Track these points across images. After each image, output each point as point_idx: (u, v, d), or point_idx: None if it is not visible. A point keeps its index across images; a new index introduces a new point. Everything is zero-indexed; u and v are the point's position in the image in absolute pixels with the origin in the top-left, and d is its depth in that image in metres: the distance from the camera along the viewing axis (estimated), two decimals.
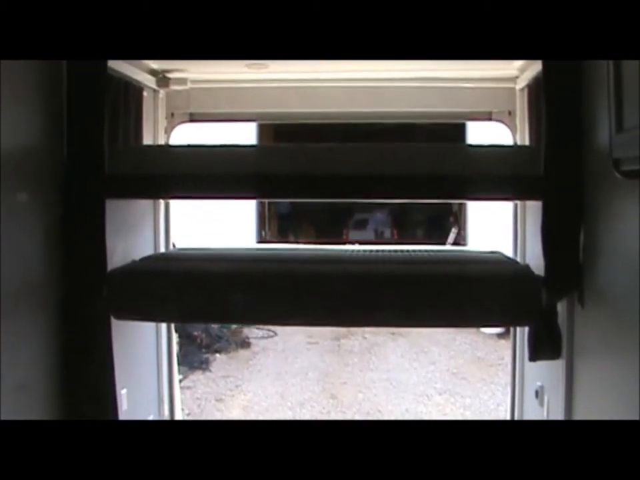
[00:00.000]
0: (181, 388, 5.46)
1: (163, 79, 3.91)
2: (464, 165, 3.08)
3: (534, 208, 3.32)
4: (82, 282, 2.89)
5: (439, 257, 3.69)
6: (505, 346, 9.31)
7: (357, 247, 4.39)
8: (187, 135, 4.32)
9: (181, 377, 6.47)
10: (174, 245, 4.46)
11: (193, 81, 3.97)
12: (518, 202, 3.89)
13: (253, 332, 11.64)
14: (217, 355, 10.89)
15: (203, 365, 10.36)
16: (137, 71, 3.64)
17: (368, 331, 11.43)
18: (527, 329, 3.01)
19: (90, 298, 2.91)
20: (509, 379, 4.27)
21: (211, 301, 3.04)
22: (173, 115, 4.14)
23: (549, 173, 2.80)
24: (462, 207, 17.65)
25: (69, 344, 2.89)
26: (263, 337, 11.63)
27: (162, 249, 4.10)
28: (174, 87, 3.95)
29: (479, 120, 4.47)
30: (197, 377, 9.92)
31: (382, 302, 2.93)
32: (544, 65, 2.80)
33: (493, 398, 8.90)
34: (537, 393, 3.49)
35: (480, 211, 14.82)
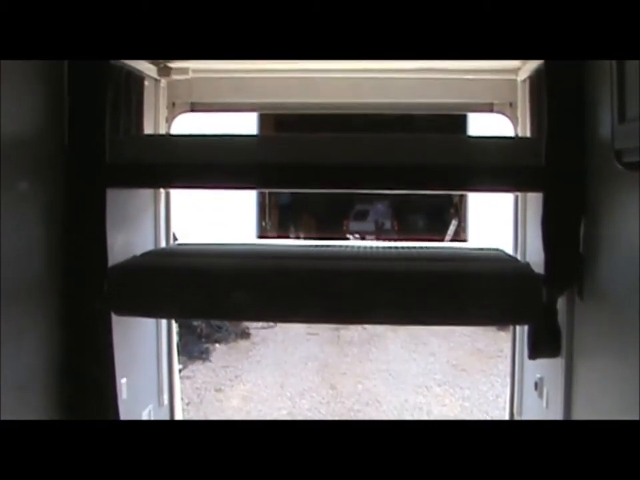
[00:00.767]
0: (181, 378, 5.47)
1: (164, 69, 3.90)
2: (465, 156, 3.07)
3: (534, 200, 3.31)
4: (83, 278, 2.89)
5: (439, 254, 3.69)
6: (505, 338, 9.32)
7: (357, 242, 4.39)
8: (188, 124, 4.31)
9: (180, 366, 6.47)
10: (174, 236, 4.46)
11: (195, 71, 3.95)
12: (519, 194, 3.88)
13: (253, 322, 11.66)
14: (217, 345, 10.92)
15: (203, 355, 10.39)
16: (139, 61, 3.63)
17: None
18: (526, 326, 3.02)
19: (90, 294, 2.91)
20: (508, 370, 4.27)
21: (212, 298, 3.05)
22: (174, 104, 4.12)
23: (550, 165, 2.80)
24: (462, 199, 17.66)
25: (69, 341, 2.88)
26: (262, 328, 11.65)
27: (162, 240, 4.10)
28: (175, 77, 3.94)
29: (480, 111, 4.46)
30: (197, 366, 9.95)
31: (382, 299, 2.94)
32: None
33: (492, 389, 8.92)
34: (536, 384, 3.49)
35: (481, 202, 14.83)
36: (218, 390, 9.12)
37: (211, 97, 4.18)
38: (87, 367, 2.93)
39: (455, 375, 9.64)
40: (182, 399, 4.86)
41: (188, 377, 9.25)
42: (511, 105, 3.99)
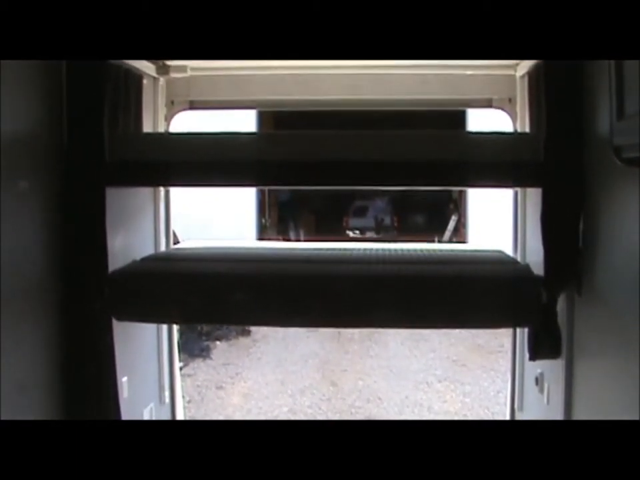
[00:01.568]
0: (182, 375, 5.47)
1: (162, 67, 3.89)
2: (464, 151, 3.07)
3: (534, 196, 3.31)
4: (83, 277, 2.89)
5: (438, 257, 3.69)
6: (505, 333, 9.32)
7: (356, 245, 4.38)
8: (187, 122, 4.31)
9: (181, 364, 6.47)
10: (174, 234, 4.46)
11: (193, 69, 3.95)
12: (518, 190, 3.88)
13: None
14: (218, 342, 10.93)
15: (204, 353, 10.40)
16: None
17: None
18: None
19: (91, 294, 2.91)
20: (509, 365, 4.27)
21: (212, 303, 3.06)
22: (172, 102, 4.12)
23: (549, 160, 2.80)
24: (462, 194, 17.66)
25: (69, 341, 2.89)
26: None
27: (163, 239, 4.09)
28: (174, 75, 3.93)
29: (479, 107, 4.46)
30: (198, 364, 9.96)
31: (381, 303, 2.94)
32: None
33: (493, 385, 8.93)
34: (536, 379, 3.50)
35: (480, 198, 14.83)
36: (219, 387, 9.13)
37: (209, 95, 4.18)
38: (87, 366, 2.93)
39: (455, 371, 9.64)
40: (183, 396, 4.85)
41: (189, 375, 9.26)
42: (510, 100, 3.99)
